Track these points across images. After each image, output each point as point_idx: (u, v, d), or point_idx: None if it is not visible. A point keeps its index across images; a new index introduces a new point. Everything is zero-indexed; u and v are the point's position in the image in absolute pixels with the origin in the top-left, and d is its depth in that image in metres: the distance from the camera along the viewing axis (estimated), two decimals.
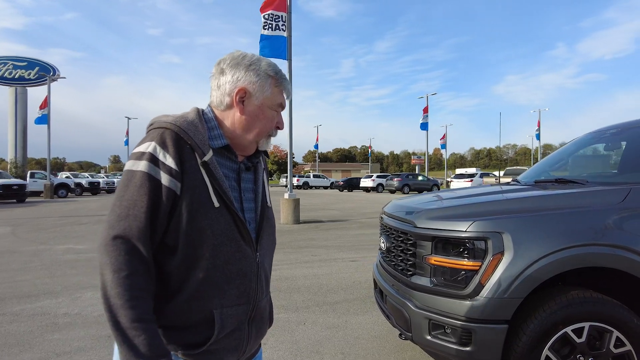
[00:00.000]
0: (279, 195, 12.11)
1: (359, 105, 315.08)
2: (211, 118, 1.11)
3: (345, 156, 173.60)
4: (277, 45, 11.33)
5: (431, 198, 2.94)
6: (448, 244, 2.18)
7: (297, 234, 9.80)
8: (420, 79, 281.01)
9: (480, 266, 2.04)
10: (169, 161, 0.97)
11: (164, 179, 0.96)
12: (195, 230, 0.98)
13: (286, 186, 12.90)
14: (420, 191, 31.83)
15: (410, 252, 2.40)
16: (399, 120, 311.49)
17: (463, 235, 2.10)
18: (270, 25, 11.32)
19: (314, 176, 47.71)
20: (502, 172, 26.91)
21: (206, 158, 1.01)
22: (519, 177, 3.50)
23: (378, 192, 33.60)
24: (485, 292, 2.01)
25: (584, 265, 1.98)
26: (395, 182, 31.03)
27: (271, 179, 72.71)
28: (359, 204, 19.75)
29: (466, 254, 2.10)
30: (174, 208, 0.98)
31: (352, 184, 37.72)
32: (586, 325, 1.99)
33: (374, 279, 3.09)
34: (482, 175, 27.61)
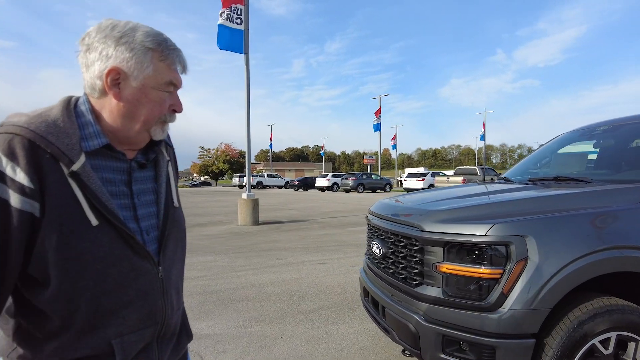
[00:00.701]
0: (236, 196, 11.58)
1: (310, 106, 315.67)
2: (86, 111, 0.90)
3: (298, 155, 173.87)
4: (233, 37, 10.79)
5: (427, 197, 2.72)
6: (464, 250, 1.94)
7: (257, 235, 9.36)
8: (369, 80, 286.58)
9: (502, 274, 1.82)
10: (20, 177, 0.77)
11: (14, 199, 0.76)
12: (71, 258, 0.80)
13: (240, 186, 12.40)
14: (374, 190, 32.29)
15: (416, 259, 2.14)
16: (350, 121, 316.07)
17: (482, 240, 1.87)
18: (228, 17, 10.77)
19: (269, 175, 46.98)
20: (452, 172, 27.84)
21: (75, 167, 0.81)
22: (506, 175, 3.38)
23: (333, 191, 33.64)
24: (509, 303, 1.79)
25: (615, 270, 1.83)
26: (350, 181, 31.20)
27: (222, 179, 70.70)
28: (317, 204, 19.55)
29: (486, 260, 1.88)
30: (34, 234, 0.78)
31: (307, 184, 37.49)
32: (613, 335, 1.83)
33: (364, 287, 2.81)
34: (433, 175, 28.42)
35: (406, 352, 2.20)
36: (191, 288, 4.87)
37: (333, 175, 35.05)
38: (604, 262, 1.82)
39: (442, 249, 2.00)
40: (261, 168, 74.06)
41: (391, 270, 2.41)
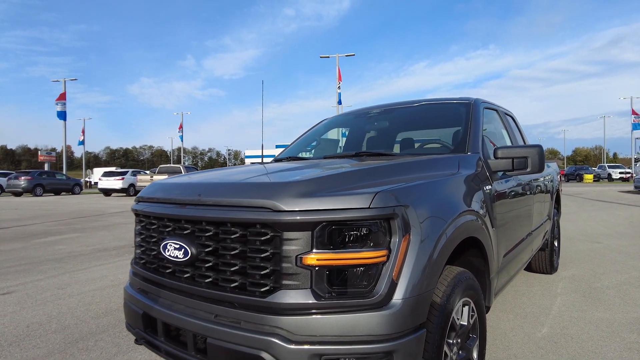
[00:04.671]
0: None
1: None
2: None
3: None
4: None
5: (244, 172, 2.00)
6: (338, 231, 1.42)
7: None
8: (41, 61, 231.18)
9: (389, 256, 1.43)
10: None
11: None
12: None
13: None
14: (58, 192, 26.52)
15: (265, 253, 1.45)
16: (13, 108, 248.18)
17: (365, 214, 1.41)
18: None
19: None
20: (157, 169, 26.30)
21: None
22: (284, 156, 3.07)
23: None
24: (401, 291, 1.41)
25: (469, 235, 1.77)
26: (22, 181, 24.20)
27: None
28: None
29: (368, 240, 1.43)
30: None
31: None
32: (460, 303, 1.77)
33: (145, 314, 1.81)
34: (134, 173, 25.99)
35: None
36: None
37: None
38: (461, 229, 1.74)
39: (309, 233, 1.41)
40: None
41: (209, 280, 1.60)
